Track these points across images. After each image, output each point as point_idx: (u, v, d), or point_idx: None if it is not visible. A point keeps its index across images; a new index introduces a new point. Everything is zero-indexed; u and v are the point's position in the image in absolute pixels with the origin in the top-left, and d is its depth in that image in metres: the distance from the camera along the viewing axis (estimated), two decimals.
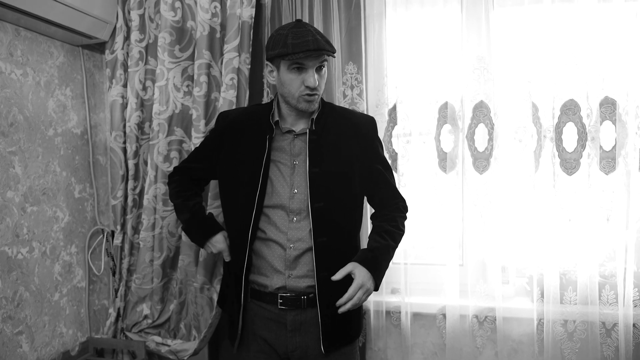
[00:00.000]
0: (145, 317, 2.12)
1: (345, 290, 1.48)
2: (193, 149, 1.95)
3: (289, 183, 1.57)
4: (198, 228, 1.76)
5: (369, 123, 1.70)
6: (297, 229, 1.56)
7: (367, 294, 1.50)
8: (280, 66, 1.52)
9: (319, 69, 1.51)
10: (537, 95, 1.89)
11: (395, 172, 2.03)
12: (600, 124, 1.83)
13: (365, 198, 1.73)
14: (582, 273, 1.87)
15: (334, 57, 1.56)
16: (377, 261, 1.56)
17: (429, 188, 2.02)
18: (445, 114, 1.97)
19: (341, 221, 1.58)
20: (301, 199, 1.55)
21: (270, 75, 1.59)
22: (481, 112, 1.94)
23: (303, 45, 1.44)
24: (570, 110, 1.87)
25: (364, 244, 1.73)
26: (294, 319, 1.58)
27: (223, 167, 1.67)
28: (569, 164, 1.88)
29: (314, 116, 1.59)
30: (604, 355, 1.87)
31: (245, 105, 2.03)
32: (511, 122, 1.93)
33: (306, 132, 1.59)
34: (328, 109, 1.66)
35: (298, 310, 1.57)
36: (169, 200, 1.90)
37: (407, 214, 1.73)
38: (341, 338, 1.60)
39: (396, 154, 2.04)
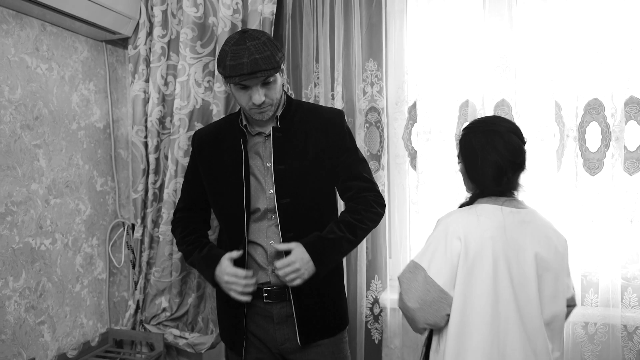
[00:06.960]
0: (164, 309, 2.15)
1: (317, 286, 1.53)
2: None
3: (264, 185, 1.58)
4: (203, 266, 1.63)
5: (337, 116, 1.66)
6: (272, 227, 1.57)
7: (299, 276, 1.46)
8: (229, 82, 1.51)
9: (265, 83, 1.47)
10: (560, 94, 1.87)
11: (414, 170, 2.03)
12: (625, 124, 1.80)
13: (337, 193, 1.70)
14: (604, 275, 1.84)
15: (282, 70, 1.51)
16: (324, 251, 1.52)
17: (448, 186, 2.00)
18: (466, 112, 1.96)
19: (310, 217, 1.57)
20: (273, 198, 1.56)
21: (226, 87, 1.59)
22: (502, 111, 1.92)
23: (238, 69, 1.41)
24: (594, 110, 1.84)
25: None
26: (279, 312, 1.59)
27: (207, 181, 1.67)
28: (592, 164, 1.85)
29: (278, 114, 1.58)
30: (625, 358, 1.84)
31: None
32: (533, 120, 1.91)
33: None
34: (294, 106, 1.64)
35: (283, 302, 1.58)
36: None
37: (382, 210, 1.63)
38: (320, 331, 1.60)
39: (415, 151, 2.03)
